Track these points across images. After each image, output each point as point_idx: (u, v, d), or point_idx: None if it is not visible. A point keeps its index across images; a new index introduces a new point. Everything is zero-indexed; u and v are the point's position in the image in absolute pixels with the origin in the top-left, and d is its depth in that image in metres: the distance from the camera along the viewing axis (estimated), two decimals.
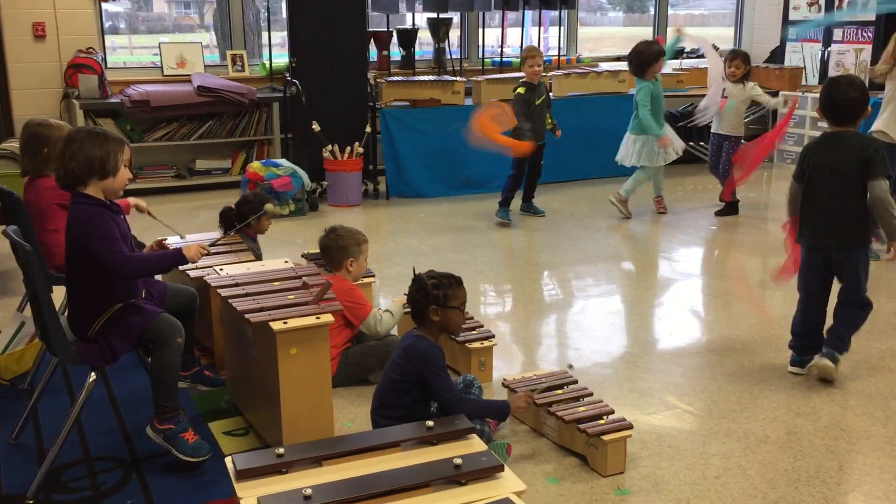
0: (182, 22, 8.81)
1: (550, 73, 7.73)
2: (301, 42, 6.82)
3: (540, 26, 8.46)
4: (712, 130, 6.44)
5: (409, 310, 2.97)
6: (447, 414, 2.73)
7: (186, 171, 7.42)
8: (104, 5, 7.26)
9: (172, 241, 3.84)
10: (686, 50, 8.45)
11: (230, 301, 3.04)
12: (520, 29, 8.46)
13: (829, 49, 8.33)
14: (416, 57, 8.17)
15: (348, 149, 6.82)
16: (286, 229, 6.07)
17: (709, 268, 5.53)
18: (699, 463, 2.97)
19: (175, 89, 7.04)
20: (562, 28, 8.65)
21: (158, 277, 3.51)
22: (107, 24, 7.61)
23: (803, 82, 8.45)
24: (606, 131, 6.75)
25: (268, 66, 7.66)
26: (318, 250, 3.82)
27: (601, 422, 2.94)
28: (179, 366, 2.94)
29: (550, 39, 9.02)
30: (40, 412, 3.31)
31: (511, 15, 8.47)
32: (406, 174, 7.14)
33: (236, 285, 3.18)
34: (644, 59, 6.11)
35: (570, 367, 3.29)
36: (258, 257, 3.97)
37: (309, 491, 2.09)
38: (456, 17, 8.36)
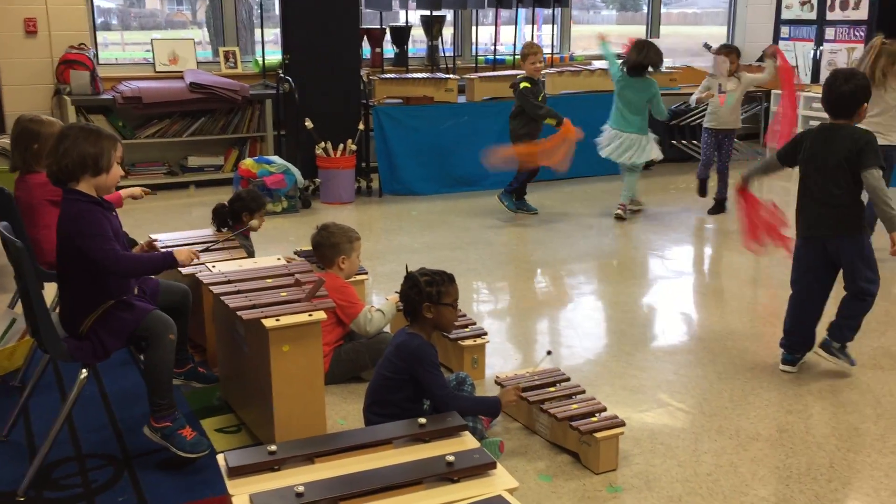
0: (174, 18, 8.78)
1: (543, 71, 7.72)
2: (294, 39, 6.81)
3: (533, 24, 8.46)
4: (707, 126, 6.43)
5: (402, 307, 2.96)
6: (440, 411, 2.73)
7: (178, 168, 7.40)
8: (96, 1, 7.23)
9: (164, 239, 3.83)
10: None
11: (222, 298, 3.03)
12: (513, 27, 8.46)
13: (821, 48, 8.36)
14: (410, 54, 8.16)
15: (341, 146, 6.81)
16: (279, 226, 6.06)
17: (700, 266, 5.54)
18: (691, 460, 2.98)
19: (167, 86, 7.01)
20: (555, 26, 8.66)
21: None
22: (99, 20, 7.58)
23: (795, 81, 8.46)
24: (599, 129, 6.73)
25: (261, 62, 7.65)
26: (310, 248, 3.82)
27: (593, 419, 2.94)
28: (173, 363, 2.93)
29: (544, 37, 9.02)
30: (31, 409, 3.30)
31: (504, 13, 8.48)
32: (399, 172, 7.14)
33: (229, 282, 3.17)
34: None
35: (549, 353, 3.27)
36: (250, 254, 3.96)
37: (301, 488, 2.08)
38: (449, 14, 8.36)
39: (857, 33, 8.00)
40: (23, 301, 2.86)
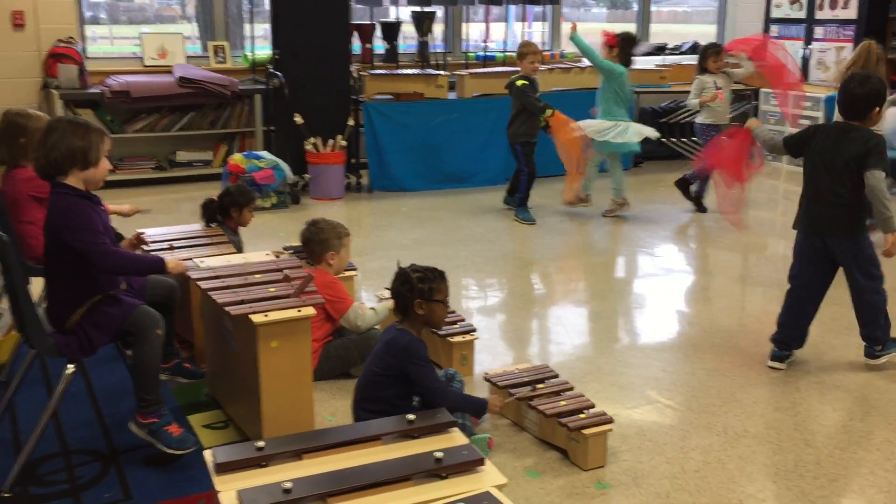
0: (164, 13, 8.72)
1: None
2: (284, 34, 6.78)
3: (524, 21, 8.46)
4: (706, 122, 6.40)
5: (392, 304, 2.96)
6: (431, 404, 2.73)
7: (167, 163, 7.37)
8: None
9: (152, 234, 3.81)
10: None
11: (210, 293, 3.02)
12: (503, 24, 8.45)
13: (809, 47, 8.39)
14: (400, 50, 8.14)
15: (331, 142, 6.79)
16: (268, 222, 6.04)
17: (690, 263, 5.55)
18: (679, 457, 2.99)
19: (156, 80, 6.98)
20: (545, 23, 8.65)
21: None
22: (87, 14, 7.53)
23: (788, 78, 8.48)
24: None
25: (250, 57, 7.61)
26: (299, 243, 3.80)
27: (582, 416, 2.95)
28: (160, 358, 2.91)
29: (534, 34, 9.02)
30: (17, 405, 3.28)
31: (495, 9, 8.47)
32: (389, 168, 7.12)
33: (217, 277, 3.16)
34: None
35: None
36: (239, 250, 3.94)
37: (289, 484, 2.07)
38: (440, 10, 8.34)
39: (845, 32, 8.02)
40: (9, 296, 2.84)
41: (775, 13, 8.77)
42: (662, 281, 5.06)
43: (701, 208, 6.51)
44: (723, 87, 6.36)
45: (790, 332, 3.74)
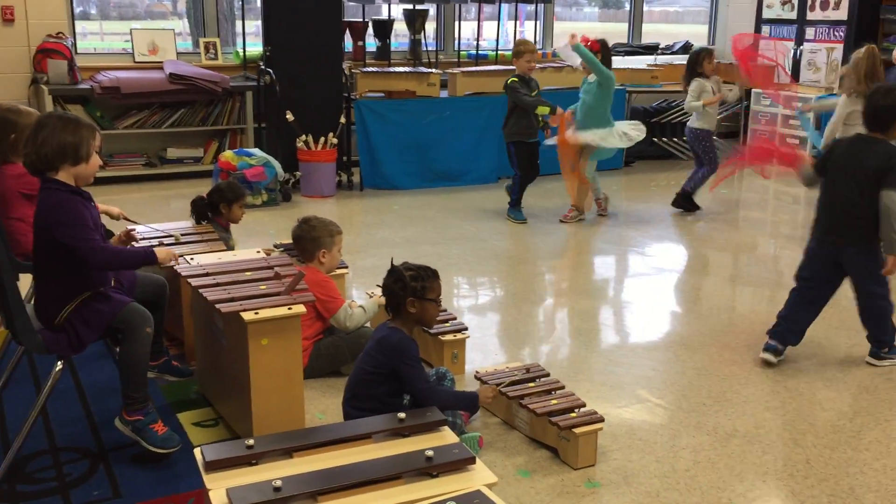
0: (154, 9, 8.69)
1: None
2: (275, 31, 6.76)
3: (516, 20, 8.46)
4: (699, 128, 6.36)
5: (384, 301, 2.95)
6: (421, 405, 2.72)
7: (157, 160, 7.34)
8: None
9: (142, 231, 3.79)
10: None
11: (201, 291, 3.00)
12: (496, 22, 8.45)
13: (801, 48, 8.41)
14: (392, 48, 8.14)
15: (322, 139, 6.77)
16: (259, 220, 6.02)
17: (680, 263, 5.56)
18: (669, 456, 2.99)
19: (146, 76, 6.95)
20: (537, 22, 8.65)
21: None
22: (77, 10, 7.49)
23: (775, 80, 8.52)
24: None
25: (241, 54, 7.59)
26: (290, 241, 3.79)
27: (572, 415, 2.95)
28: (148, 356, 2.90)
29: (526, 33, 9.02)
30: (5, 401, 3.26)
31: (487, 8, 8.46)
32: (380, 166, 7.11)
33: (207, 275, 3.14)
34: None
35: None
36: (230, 247, 3.93)
37: (279, 482, 2.07)
38: (432, 8, 8.34)
39: (836, 33, 8.05)
40: None
41: (766, 14, 8.81)
42: (653, 280, 5.07)
43: (693, 207, 6.51)
44: (716, 91, 6.36)
45: (789, 327, 3.77)
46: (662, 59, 9.03)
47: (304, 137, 6.72)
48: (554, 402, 3.03)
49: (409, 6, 7.85)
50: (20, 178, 3.44)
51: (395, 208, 6.57)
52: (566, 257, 5.49)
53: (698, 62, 6.32)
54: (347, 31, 7.68)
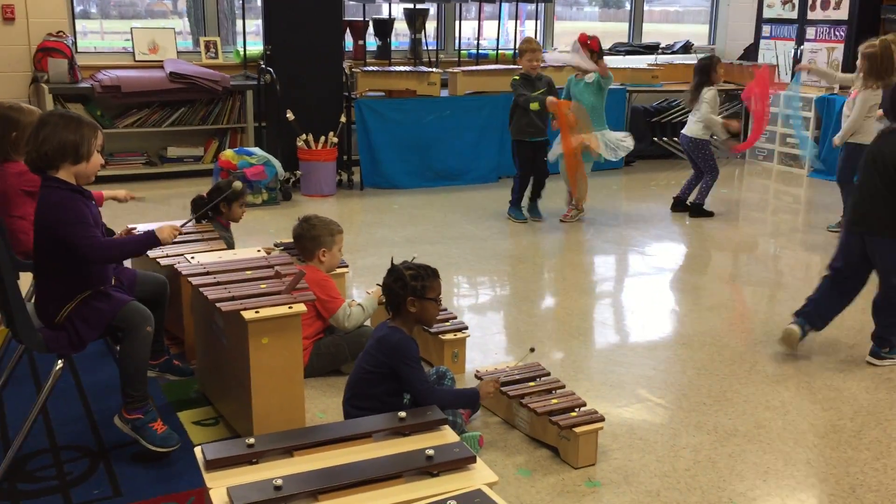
0: (155, 8, 8.69)
1: None
2: (276, 30, 6.76)
3: (516, 19, 8.46)
4: (701, 138, 6.32)
5: (384, 301, 2.95)
6: (420, 405, 2.72)
7: (157, 159, 7.33)
8: None
9: (142, 230, 3.79)
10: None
11: (201, 290, 3.00)
12: (496, 21, 8.45)
13: (801, 47, 8.41)
14: (392, 47, 8.13)
15: (322, 138, 6.77)
16: (259, 218, 6.02)
17: (680, 262, 5.56)
18: (669, 455, 2.99)
19: (147, 75, 6.95)
20: (538, 22, 8.65)
21: (128, 264, 3.46)
22: (78, 9, 7.49)
23: (776, 79, 8.52)
24: None
25: (242, 53, 7.59)
26: (290, 240, 3.79)
27: (573, 414, 2.95)
28: (148, 355, 2.90)
29: (526, 33, 9.02)
30: (5, 400, 3.26)
31: (487, 7, 8.46)
32: (381, 165, 7.11)
33: (207, 274, 3.14)
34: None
35: (532, 350, 3.27)
36: (230, 246, 3.92)
37: (279, 481, 2.07)
38: (433, 8, 8.34)
39: (837, 33, 8.05)
40: None
41: (767, 13, 8.80)
42: (653, 280, 5.07)
43: (708, 213, 6.48)
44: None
45: (818, 311, 3.83)
46: (663, 58, 9.02)
47: (304, 136, 6.72)
48: (554, 401, 3.03)
49: (410, 5, 7.84)
50: (21, 175, 3.45)
51: (395, 207, 6.57)
52: (566, 257, 5.49)
53: (712, 68, 6.25)
54: (348, 31, 7.68)
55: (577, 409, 2.98)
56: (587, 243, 5.76)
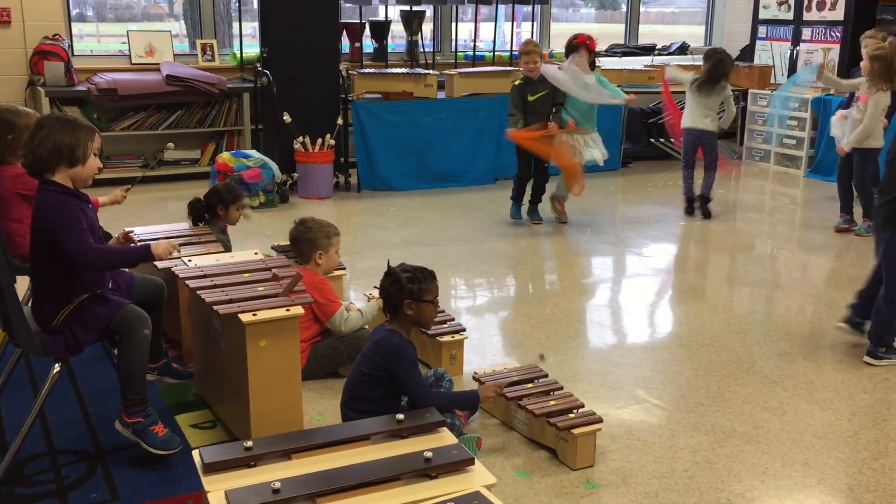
0: (151, 10, 8.69)
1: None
2: (272, 32, 6.76)
3: (513, 21, 8.46)
4: (715, 131, 6.39)
5: (382, 303, 2.94)
6: (417, 408, 2.71)
7: (154, 162, 7.32)
8: None
9: (140, 233, 3.80)
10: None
11: (199, 292, 3.00)
12: (492, 23, 8.46)
13: (797, 48, 8.43)
14: (389, 49, 8.13)
15: (319, 141, 6.77)
16: (256, 221, 6.01)
17: (678, 263, 5.56)
18: (667, 456, 2.99)
19: (143, 78, 6.94)
20: (534, 23, 8.66)
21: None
22: (74, 12, 7.48)
23: (772, 80, 8.54)
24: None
25: (238, 56, 7.59)
26: (287, 242, 3.79)
27: (571, 415, 2.95)
28: (147, 358, 2.89)
29: (523, 34, 9.03)
30: (2, 404, 3.25)
31: (484, 9, 8.47)
32: (378, 167, 7.11)
33: (205, 276, 3.14)
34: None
35: (542, 357, 3.28)
36: (227, 249, 3.92)
37: (278, 484, 2.06)
38: (429, 10, 8.34)
39: (833, 34, 8.06)
40: None
41: (763, 14, 8.81)
42: (651, 281, 5.07)
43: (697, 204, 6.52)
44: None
45: (862, 302, 3.92)
46: (659, 59, 9.03)
47: (301, 139, 6.72)
48: (552, 402, 3.03)
49: (406, 7, 7.85)
50: (17, 178, 3.44)
51: (393, 209, 6.57)
52: (564, 258, 5.49)
53: (732, 69, 6.29)
54: (344, 33, 7.68)
55: (575, 411, 2.98)
56: (584, 244, 5.77)
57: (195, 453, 2.26)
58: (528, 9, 8.63)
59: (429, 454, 2.20)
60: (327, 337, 3.60)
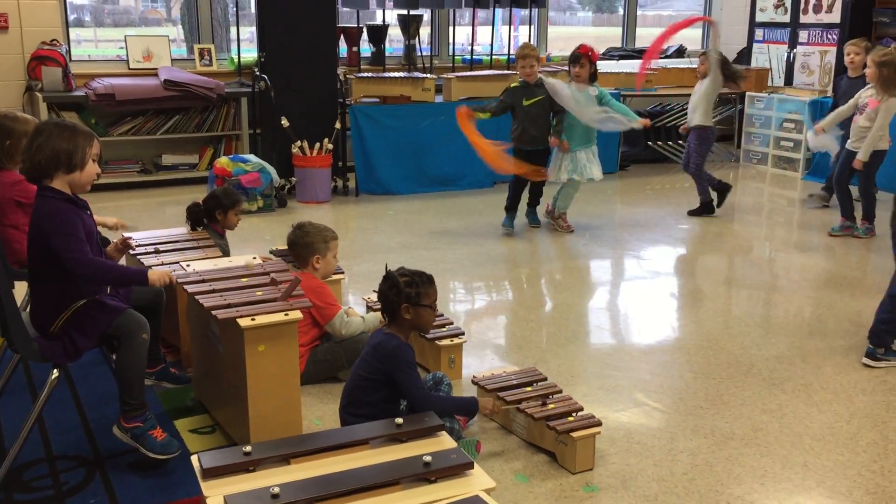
0: (149, 15, 8.70)
1: None
2: (270, 37, 6.76)
3: (510, 25, 8.47)
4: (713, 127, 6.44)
5: (380, 308, 2.94)
6: (417, 412, 2.71)
7: (152, 167, 7.33)
8: None
9: (138, 238, 3.79)
10: None
11: (197, 297, 3.00)
12: (490, 27, 8.47)
13: (794, 51, 8.44)
14: (387, 54, 8.14)
15: (317, 145, 6.77)
16: (254, 225, 6.02)
17: (676, 267, 5.57)
18: (667, 459, 2.99)
19: (141, 83, 6.94)
20: (532, 27, 8.67)
21: None
22: (71, 17, 7.49)
23: (769, 83, 8.55)
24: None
25: (236, 60, 7.59)
26: (286, 247, 3.79)
27: (570, 419, 2.94)
28: (145, 363, 2.89)
29: (520, 38, 9.04)
30: (1, 410, 3.24)
31: (481, 13, 8.48)
32: (376, 171, 7.11)
33: (203, 281, 3.13)
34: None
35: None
36: (226, 253, 3.92)
37: (277, 489, 2.06)
38: (426, 14, 8.35)
39: (829, 36, 8.08)
40: None
41: (760, 17, 8.83)
42: (649, 284, 5.07)
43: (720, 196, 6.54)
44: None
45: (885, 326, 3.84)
46: (656, 63, 9.03)
47: (299, 143, 6.72)
48: (551, 406, 3.03)
49: (404, 11, 7.86)
50: (15, 185, 3.44)
51: (391, 213, 6.57)
52: (562, 261, 5.49)
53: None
54: (342, 37, 7.69)
55: (574, 414, 2.98)
56: (583, 248, 5.77)
57: (194, 458, 2.26)
58: (525, 12, 8.64)
59: (428, 458, 2.20)
60: (326, 341, 3.60)
